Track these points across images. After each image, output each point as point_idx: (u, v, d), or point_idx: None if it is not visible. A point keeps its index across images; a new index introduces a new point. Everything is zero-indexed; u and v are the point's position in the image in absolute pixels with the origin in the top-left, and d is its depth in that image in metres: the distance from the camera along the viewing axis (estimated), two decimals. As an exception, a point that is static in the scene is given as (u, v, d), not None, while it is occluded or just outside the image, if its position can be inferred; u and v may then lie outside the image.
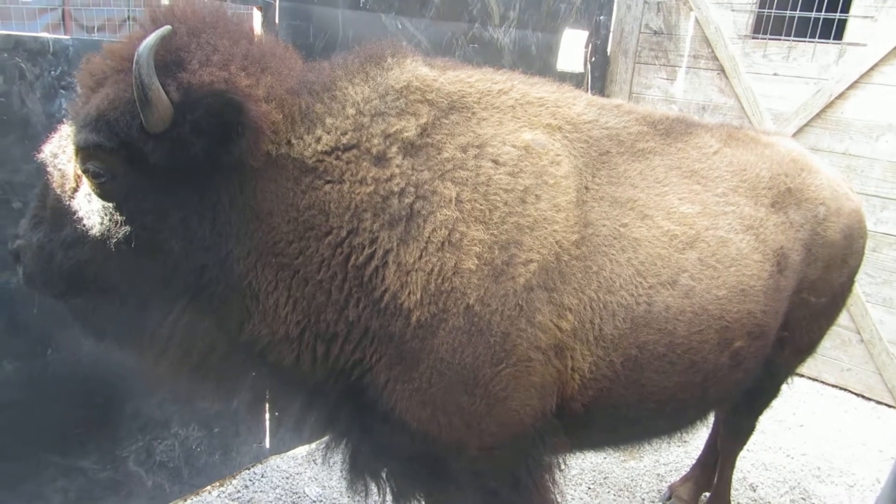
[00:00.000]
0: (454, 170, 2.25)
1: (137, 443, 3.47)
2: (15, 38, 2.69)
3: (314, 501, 3.91)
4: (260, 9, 3.43)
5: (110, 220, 2.05)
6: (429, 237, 2.17)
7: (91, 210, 2.07)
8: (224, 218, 2.10)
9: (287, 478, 4.08)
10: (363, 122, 2.23)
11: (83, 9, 8.82)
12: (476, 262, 2.19)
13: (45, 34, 2.82)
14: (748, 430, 3.74)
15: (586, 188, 2.46)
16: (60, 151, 2.14)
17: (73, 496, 3.26)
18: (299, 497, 3.93)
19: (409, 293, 2.16)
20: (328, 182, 2.16)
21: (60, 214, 2.14)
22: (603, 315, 2.37)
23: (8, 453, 3.00)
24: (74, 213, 2.10)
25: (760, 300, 2.67)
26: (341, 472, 2.67)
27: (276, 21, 3.49)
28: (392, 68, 2.36)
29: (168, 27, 1.96)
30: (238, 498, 3.86)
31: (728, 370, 2.69)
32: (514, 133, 2.38)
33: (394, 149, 2.22)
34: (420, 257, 2.17)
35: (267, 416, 4.10)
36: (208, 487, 3.89)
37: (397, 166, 2.20)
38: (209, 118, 1.92)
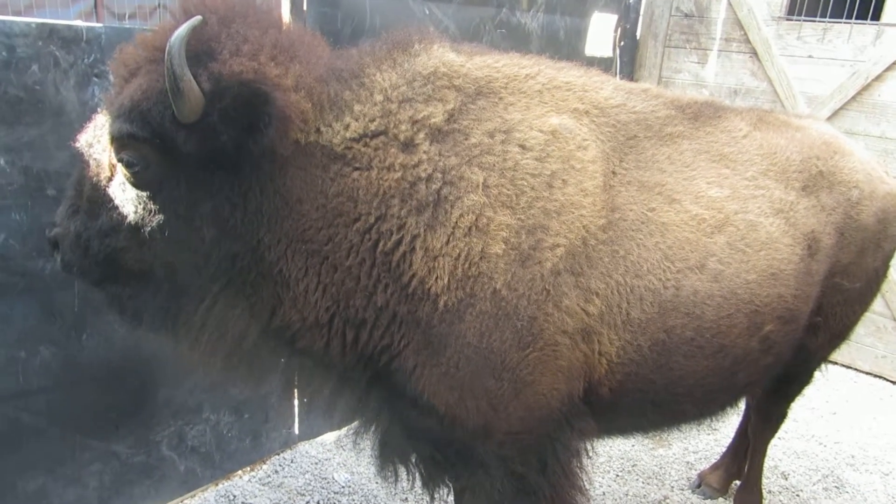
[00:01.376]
0: (481, 155, 2.24)
1: (170, 428, 3.54)
2: (49, 26, 2.74)
3: (343, 487, 3.96)
4: (289, -4, 3.45)
5: (144, 208, 2.09)
6: (456, 222, 2.18)
7: (125, 199, 2.12)
8: (255, 206, 2.12)
9: (316, 463, 4.13)
10: (391, 108, 2.23)
11: (115, -4, 8.94)
12: (503, 246, 2.19)
13: (78, 22, 2.86)
14: (780, 417, 3.69)
15: (613, 172, 2.44)
16: (95, 141, 2.19)
17: (108, 480, 3.35)
18: (328, 482, 3.98)
19: (436, 278, 2.17)
20: (356, 169, 2.17)
21: (96, 203, 2.19)
22: (630, 299, 2.35)
23: (46, 437, 3.09)
24: (109, 201, 2.15)
25: (791, 284, 2.63)
26: (370, 457, 2.70)
27: (305, 8, 3.51)
28: (419, 54, 2.35)
29: (199, 17, 1.98)
30: (268, 482, 3.93)
31: (758, 355, 2.66)
32: (542, 118, 2.37)
33: (421, 135, 2.22)
34: (447, 242, 2.17)
35: (296, 401, 4.16)
36: (239, 472, 3.96)
37: (424, 152, 2.21)
38: (238, 107, 1.94)
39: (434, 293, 2.18)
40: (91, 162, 2.19)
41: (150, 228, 2.10)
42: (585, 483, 2.62)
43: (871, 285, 3.16)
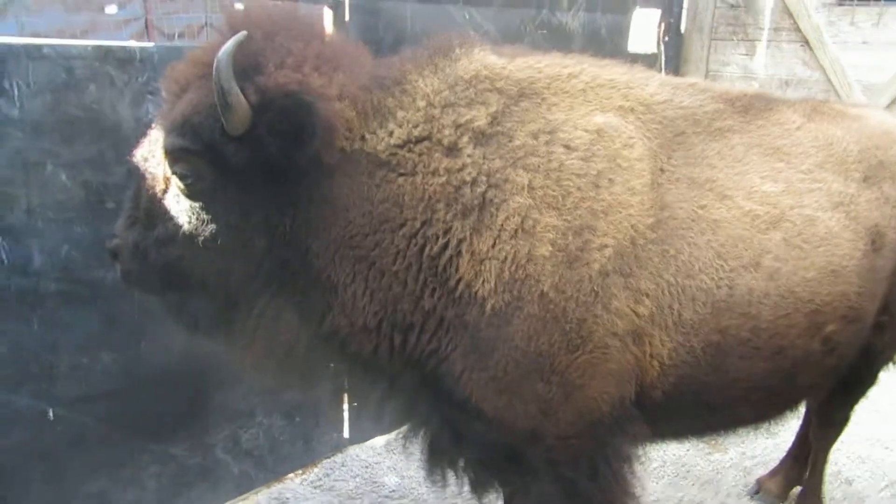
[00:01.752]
0: (526, 157, 2.23)
1: (224, 431, 3.62)
2: (105, 48, 2.85)
3: (392, 491, 3.98)
4: (331, 7, 3.49)
5: (198, 218, 2.15)
6: (502, 225, 2.17)
7: (180, 210, 2.18)
8: (303, 214, 2.16)
9: (366, 467, 4.16)
10: (434, 113, 2.24)
11: (164, 17, 9.29)
12: (550, 248, 2.17)
13: (131, 42, 2.97)
14: (843, 420, 3.54)
15: (661, 170, 2.39)
16: (150, 155, 2.27)
17: (166, 481, 3.44)
18: (378, 486, 4.00)
19: (483, 281, 2.16)
20: (401, 174, 2.19)
21: (152, 214, 2.26)
22: (682, 300, 2.30)
23: (107, 440, 3.19)
24: (165, 212, 2.22)
25: (854, 281, 2.53)
26: (419, 461, 2.70)
27: (347, 18, 3.55)
28: (460, 59, 2.36)
29: (244, 33, 2.04)
30: (319, 485, 3.97)
31: (820, 356, 2.56)
32: (586, 117, 2.34)
33: (465, 138, 2.22)
34: (493, 245, 2.16)
35: (346, 405, 4.20)
36: (291, 475, 4.02)
37: (468, 156, 2.21)
38: (283, 118, 1.98)
39: (481, 296, 2.17)
40: (147, 175, 2.27)
41: (203, 237, 2.16)
42: (637, 489, 2.57)
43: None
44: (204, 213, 2.15)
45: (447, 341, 2.25)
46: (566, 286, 2.17)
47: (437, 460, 2.61)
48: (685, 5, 6.21)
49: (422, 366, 2.31)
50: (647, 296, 2.26)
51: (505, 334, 2.18)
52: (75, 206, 2.89)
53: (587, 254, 2.19)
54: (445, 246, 2.18)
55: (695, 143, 2.49)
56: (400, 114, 2.23)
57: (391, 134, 2.21)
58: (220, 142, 2.03)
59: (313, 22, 2.38)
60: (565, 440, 2.35)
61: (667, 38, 5.97)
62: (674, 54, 6.23)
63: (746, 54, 6.14)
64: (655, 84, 2.58)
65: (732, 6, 6.17)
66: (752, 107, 2.71)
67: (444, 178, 2.18)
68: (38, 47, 2.69)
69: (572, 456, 2.39)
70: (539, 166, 2.22)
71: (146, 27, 9.51)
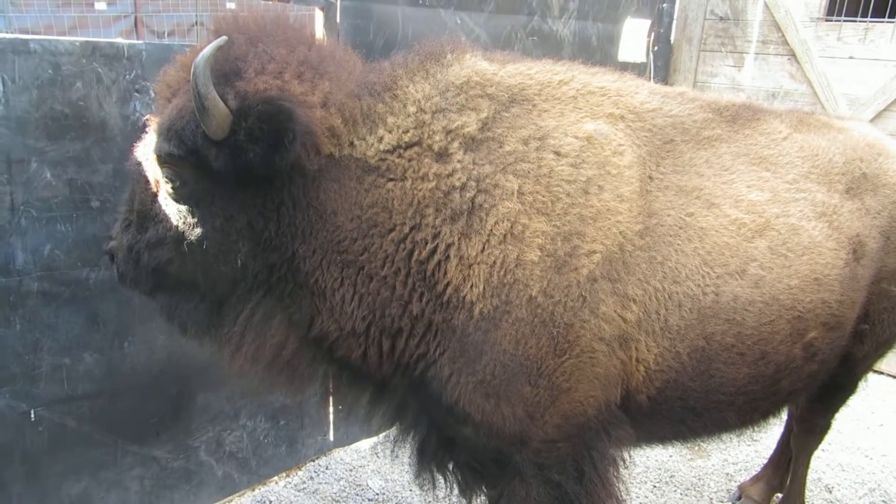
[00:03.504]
0: (516, 163, 2.24)
1: (208, 433, 3.59)
2: (92, 44, 2.83)
3: (377, 494, 3.96)
4: (322, 9, 3.49)
5: (185, 222, 2.16)
6: (491, 230, 2.18)
7: (169, 213, 2.19)
8: (288, 219, 2.16)
9: (350, 470, 4.15)
10: (424, 119, 2.25)
11: (154, 15, 9.25)
12: (539, 253, 2.18)
13: (119, 40, 2.95)
14: (823, 427, 3.58)
15: (650, 178, 2.41)
16: (144, 158, 2.27)
17: (149, 484, 3.41)
18: (362, 489, 3.99)
19: (471, 286, 2.17)
20: (391, 180, 2.19)
21: (144, 217, 2.27)
22: (668, 305, 2.32)
23: (90, 442, 3.16)
24: (155, 215, 2.23)
25: (836, 290, 2.56)
26: (408, 464, 2.70)
27: (338, 20, 3.55)
28: (452, 64, 2.37)
29: (224, 38, 2.05)
30: (304, 489, 3.95)
31: (802, 362, 2.59)
32: (576, 124, 2.36)
33: (455, 144, 2.23)
34: (482, 250, 2.17)
35: (331, 408, 4.18)
36: (275, 478, 4.00)
37: (458, 161, 2.22)
38: (262, 124, 1.98)
39: (469, 301, 2.18)
40: (140, 178, 2.28)
41: (190, 241, 2.16)
42: (622, 493, 2.58)
43: (920, 291, 3.06)
44: (190, 216, 2.15)
45: (435, 345, 2.25)
46: (554, 291, 2.19)
47: (426, 463, 2.61)
48: (675, 16, 6.27)
49: (410, 370, 2.32)
50: (635, 301, 2.28)
51: (493, 338, 2.19)
52: (59, 205, 2.86)
53: (576, 259, 2.21)
54: (434, 250, 2.19)
55: (683, 152, 2.52)
56: (390, 119, 2.23)
57: (381, 139, 2.21)
58: (203, 147, 2.02)
59: (301, 28, 2.37)
60: (552, 443, 2.36)
61: (656, 48, 6.01)
62: (663, 64, 6.28)
63: (734, 66, 6.21)
64: (645, 92, 2.60)
65: (721, 19, 6.25)
66: (740, 116, 2.74)
67: (433, 183, 2.19)
68: (25, 42, 2.66)
69: (559, 459, 2.40)
70: (529, 172, 2.23)
71: (135, 25, 9.46)
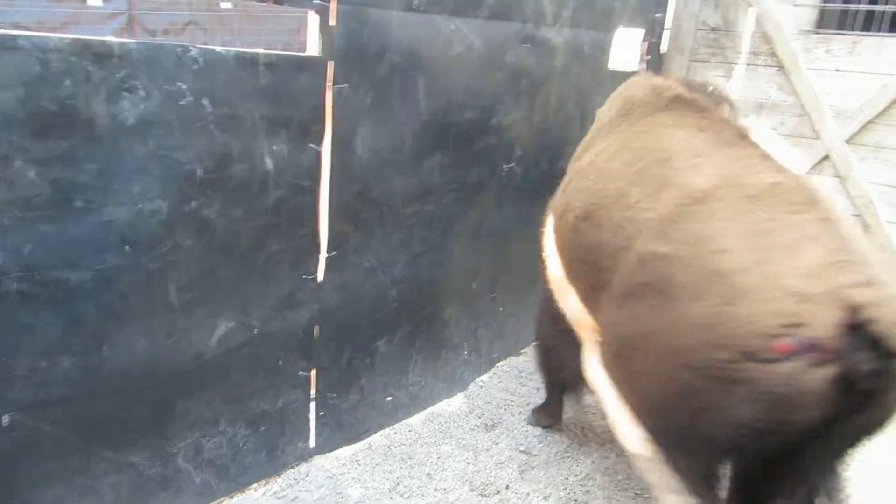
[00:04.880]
0: None
1: (186, 440, 3.52)
2: (82, 42, 2.74)
3: (357, 502, 3.92)
4: (317, 12, 3.43)
5: None
6: None
7: None
8: None
9: (331, 477, 4.10)
10: None
11: (149, 13, 9.13)
12: None
13: (110, 38, 2.86)
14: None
15: None
16: None
17: (125, 491, 3.33)
18: (343, 497, 3.94)
19: None
20: None
21: None
22: None
23: (64, 447, 3.08)
24: None
25: None
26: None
27: (333, 23, 3.49)
28: None
29: None
30: (283, 496, 3.90)
31: None
32: None
33: None
34: None
35: (312, 415, 4.13)
36: (254, 485, 3.93)
37: None
38: None
39: None
40: None
41: None
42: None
43: None
44: None
45: None
46: None
47: None
48: (668, 27, 6.30)
49: None
50: None
51: None
52: (41, 205, 2.77)
53: None
54: None
55: None
56: None
57: None
58: None
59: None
60: None
61: (648, 58, 6.04)
62: (653, 73, 6.31)
63: (724, 76, 6.26)
64: None
65: (713, 29, 6.29)
66: None
67: None
68: (13, 38, 2.58)
69: None
70: None
71: (129, 23, 9.31)
